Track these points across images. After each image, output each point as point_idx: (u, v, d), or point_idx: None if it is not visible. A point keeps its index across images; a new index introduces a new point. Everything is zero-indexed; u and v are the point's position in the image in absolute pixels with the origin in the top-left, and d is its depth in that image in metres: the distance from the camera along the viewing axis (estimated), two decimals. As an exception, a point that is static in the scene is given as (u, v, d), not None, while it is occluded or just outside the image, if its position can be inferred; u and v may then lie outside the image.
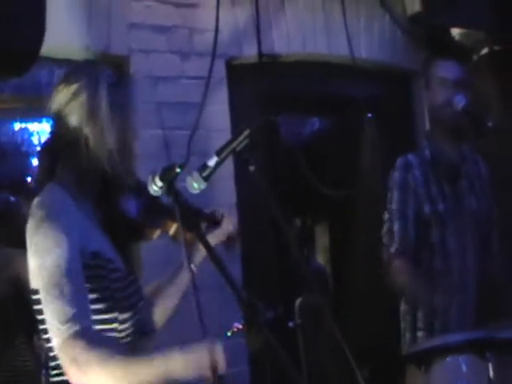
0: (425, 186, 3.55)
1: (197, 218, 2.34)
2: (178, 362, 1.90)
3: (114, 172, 2.16)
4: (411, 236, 3.50)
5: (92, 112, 2.14)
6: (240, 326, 2.79)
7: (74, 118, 2.14)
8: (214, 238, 2.43)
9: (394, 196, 3.57)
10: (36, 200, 2.09)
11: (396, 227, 3.52)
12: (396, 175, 3.60)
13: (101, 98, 2.15)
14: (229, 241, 2.49)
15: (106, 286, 2.09)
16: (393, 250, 3.50)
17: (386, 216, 3.60)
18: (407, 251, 3.49)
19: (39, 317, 2.08)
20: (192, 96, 4.27)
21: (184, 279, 2.41)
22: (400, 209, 3.54)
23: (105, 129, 2.14)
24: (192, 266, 2.36)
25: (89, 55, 3.90)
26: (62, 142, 2.16)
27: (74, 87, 2.15)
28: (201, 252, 2.39)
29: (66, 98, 2.15)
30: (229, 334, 2.91)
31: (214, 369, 1.84)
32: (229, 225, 2.49)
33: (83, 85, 2.15)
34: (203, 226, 2.44)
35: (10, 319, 3.73)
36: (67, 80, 2.19)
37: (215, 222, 2.47)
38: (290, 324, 3.37)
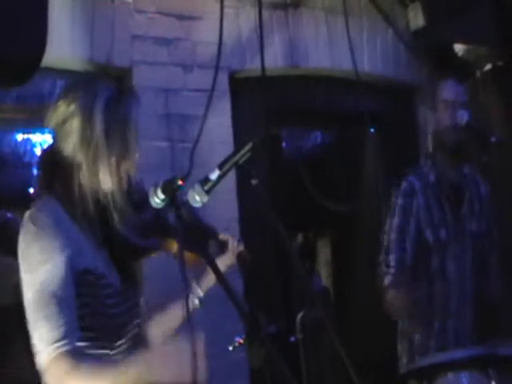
0: (427, 212, 3.51)
1: (205, 238, 2.29)
2: (157, 369, 1.88)
3: (110, 202, 2.12)
4: (408, 266, 3.46)
5: (85, 140, 2.08)
6: (241, 341, 2.76)
7: (67, 143, 2.10)
8: (225, 261, 2.37)
9: (394, 223, 3.52)
10: (29, 212, 2.07)
11: (393, 259, 3.47)
12: (400, 201, 3.54)
13: (95, 125, 2.08)
14: (240, 259, 2.42)
15: (98, 302, 2.06)
16: (387, 282, 3.46)
17: (384, 244, 3.54)
18: (402, 283, 3.44)
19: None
20: (194, 108, 4.26)
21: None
22: (398, 239, 3.48)
23: (98, 158, 2.08)
24: (198, 291, 2.36)
25: (91, 67, 3.90)
26: (58, 159, 2.13)
27: (70, 109, 2.10)
28: (209, 276, 2.35)
29: (63, 117, 2.11)
30: (230, 348, 2.88)
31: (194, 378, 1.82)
32: (236, 247, 2.42)
33: (79, 106, 2.09)
34: (212, 244, 2.37)
35: (10, 327, 3.70)
36: (66, 96, 2.14)
37: (223, 245, 2.41)
38: (292, 339, 3.34)
